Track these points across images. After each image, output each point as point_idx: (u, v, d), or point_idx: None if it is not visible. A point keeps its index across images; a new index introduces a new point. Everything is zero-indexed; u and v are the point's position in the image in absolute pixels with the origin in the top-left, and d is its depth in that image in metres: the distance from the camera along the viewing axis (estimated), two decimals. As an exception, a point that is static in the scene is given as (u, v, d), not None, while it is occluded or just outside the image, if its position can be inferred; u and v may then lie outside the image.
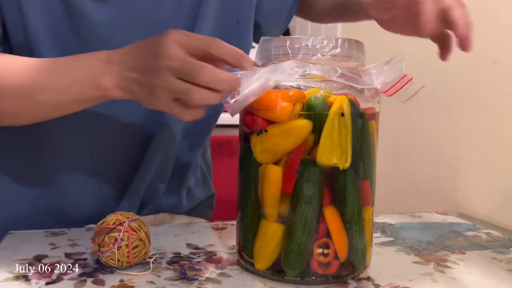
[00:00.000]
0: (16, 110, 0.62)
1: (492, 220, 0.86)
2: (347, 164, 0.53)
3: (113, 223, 0.57)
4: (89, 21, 0.66)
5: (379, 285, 0.56)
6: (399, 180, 1.15)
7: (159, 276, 0.57)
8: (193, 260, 0.62)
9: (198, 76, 0.49)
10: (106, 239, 0.56)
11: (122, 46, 0.58)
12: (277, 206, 0.55)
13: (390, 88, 0.54)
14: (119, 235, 0.56)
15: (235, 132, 0.62)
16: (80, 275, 0.57)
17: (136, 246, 0.57)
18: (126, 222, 0.57)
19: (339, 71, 0.53)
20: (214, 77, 0.50)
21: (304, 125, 0.53)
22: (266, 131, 0.54)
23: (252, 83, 0.51)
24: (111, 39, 0.67)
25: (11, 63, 0.62)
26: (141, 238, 0.58)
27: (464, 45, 0.56)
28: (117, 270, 0.58)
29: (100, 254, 0.57)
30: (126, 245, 0.56)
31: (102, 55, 0.57)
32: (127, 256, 0.57)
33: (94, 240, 0.57)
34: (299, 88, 0.54)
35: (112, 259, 0.57)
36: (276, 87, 0.53)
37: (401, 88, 0.53)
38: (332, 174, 0.54)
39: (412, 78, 0.53)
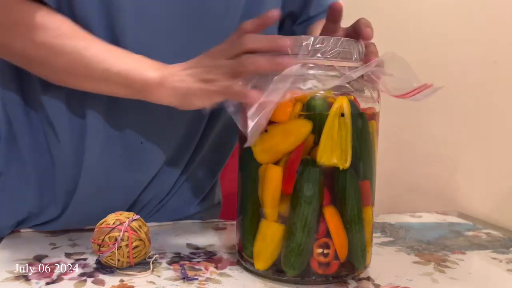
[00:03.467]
0: (66, 67, 0.62)
1: (492, 220, 0.86)
2: (347, 164, 0.53)
3: (113, 223, 0.57)
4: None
5: (379, 285, 0.56)
6: (399, 180, 1.15)
7: (159, 276, 0.57)
8: (193, 260, 0.62)
9: (242, 46, 0.54)
10: (106, 239, 0.56)
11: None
12: (277, 206, 0.55)
13: (406, 94, 0.53)
14: (119, 235, 0.56)
15: (235, 132, 0.62)
16: (80, 275, 0.57)
17: (136, 246, 0.57)
18: (126, 222, 0.57)
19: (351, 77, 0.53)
20: (256, 39, 0.54)
21: (304, 125, 0.53)
22: (266, 131, 0.54)
23: (268, 98, 0.51)
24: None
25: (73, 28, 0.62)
26: (141, 238, 0.58)
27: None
28: (117, 270, 0.58)
29: (100, 254, 0.57)
30: (126, 245, 0.56)
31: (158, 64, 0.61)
32: (127, 256, 0.57)
33: (94, 240, 0.57)
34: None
35: (112, 259, 0.57)
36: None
37: (418, 92, 0.53)
38: (332, 174, 0.54)
39: (432, 84, 0.53)
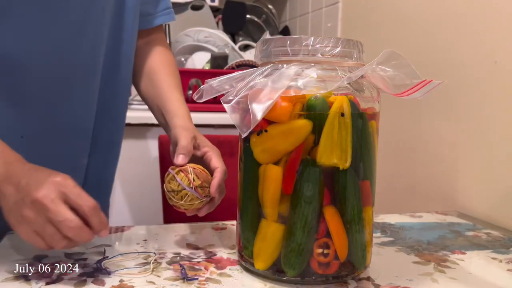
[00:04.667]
0: None
1: (492, 220, 0.86)
2: (347, 164, 0.53)
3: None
4: None
5: (379, 285, 0.56)
6: (399, 180, 1.15)
7: (159, 276, 0.57)
8: (193, 260, 0.62)
9: (63, 229, 0.52)
10: (206, 189, 0.62)
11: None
12: (277, 206, 0.55)
13: (406, 91, 0.53)
14: (209, 196, 0.63)
15: (235, 132, 0.62)
16: (80, 275, 0.57)
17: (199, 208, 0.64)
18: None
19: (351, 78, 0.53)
20: (80, 235, 0.53)
21: (304, 125, 0.53)
22: (266, 131, 0.54)
23: (262, 99, 0.51)
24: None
25: None
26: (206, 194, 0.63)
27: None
28: (117, 271, 0.58)
29: (194, 188, 0.61)
30: (203, 204, 0.63)
31: (10, 158, 0.58)
32: (192, 208, 0.62)
33: (199, 176, 0.62)
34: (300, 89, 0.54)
35: (190, 199, 0.61)
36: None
37: (419, 89, 0.53)
38: (332, 174, 0.54)
39: (431, 80, 0.53)
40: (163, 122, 0.81)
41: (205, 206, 0.64)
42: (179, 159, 0.64)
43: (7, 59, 0.68)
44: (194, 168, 0.63)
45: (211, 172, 0.65)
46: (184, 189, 0.61)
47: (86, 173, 0.82)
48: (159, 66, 0.86)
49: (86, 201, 0.54)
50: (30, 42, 0.68)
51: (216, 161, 0.66)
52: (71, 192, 0.53)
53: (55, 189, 0.53)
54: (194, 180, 0.61)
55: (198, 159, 0.69)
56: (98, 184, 0.86)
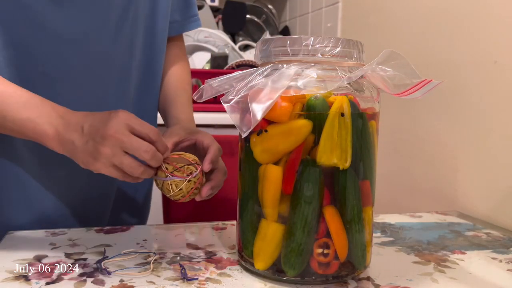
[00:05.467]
0: None
1: (492, 220, 0.86)
2: (347, 164, 0.53)
3: (193, 159, 0.62)
4: (45, 23, 0.68)
5: (379, 285, 0.56)
6: (399, 180, 1.15)
7: (159, 276, 0.57)
8: (193, 260, 0.62)
9: (140, 154, 0.58)
10: (185, 167, 0.60)
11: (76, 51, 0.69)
12: (277, 206, 0.55)
13: (406, 91, 0.53)
14: (196, 171, 0.61)
15: (235, 132, 0.62)
16: (80, 275, 0.57)
17: (197, 188, 0.62)
18: (201, 166, 0.63)
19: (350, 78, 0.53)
20: (155, 157, 0.59)
21: (304, 125, 0.53)
22: (266, 131, 0.54)
23: (262, 99, 0.51)
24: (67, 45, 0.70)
25: None
26: (202, 184, 0.63)
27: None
28: (117, 271, 0.58)
29: (169, 175, 0.60)
30: (194, 183, 0.61)
31: (60, 111, 0.62)
32: (187, 191, 0.61)
33: (170, 162, 0.61)
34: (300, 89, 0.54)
35: (176, 186, 0.60)
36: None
37: (419, 88, 0.53)
38: (332, 174, 0.54)
39: (431, 80, 0.53)
40: (166, 122, 0.85)
41: (205, 186, 0.64)
42: None
43: (47, 73, 0.70)
44: (165, 159, 0.63)
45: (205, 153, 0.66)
46: (164, 180, 0.61)
47: None
48: (174, 75, 0.91)
49: (150, 128, 0.59)
50: (69, 54, 0.71)
51: (207, 141, 0.68)
52: (135, 123, 0.59)
53: (121, 123, 0.58)
54: (167, 169, 0.61)
55: (191, 148, 0.70)
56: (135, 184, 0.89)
